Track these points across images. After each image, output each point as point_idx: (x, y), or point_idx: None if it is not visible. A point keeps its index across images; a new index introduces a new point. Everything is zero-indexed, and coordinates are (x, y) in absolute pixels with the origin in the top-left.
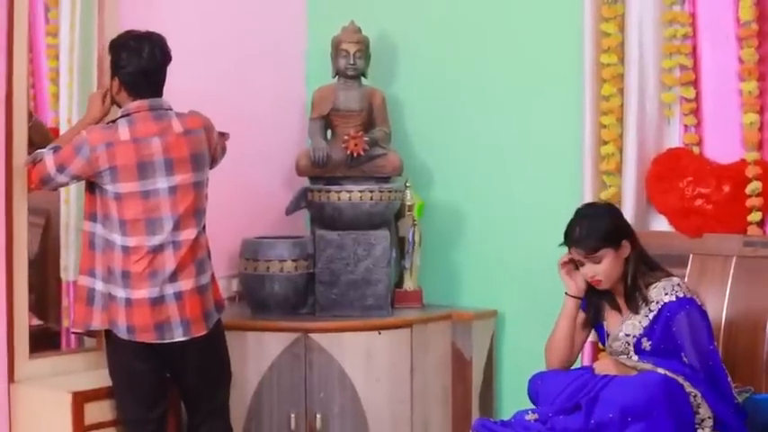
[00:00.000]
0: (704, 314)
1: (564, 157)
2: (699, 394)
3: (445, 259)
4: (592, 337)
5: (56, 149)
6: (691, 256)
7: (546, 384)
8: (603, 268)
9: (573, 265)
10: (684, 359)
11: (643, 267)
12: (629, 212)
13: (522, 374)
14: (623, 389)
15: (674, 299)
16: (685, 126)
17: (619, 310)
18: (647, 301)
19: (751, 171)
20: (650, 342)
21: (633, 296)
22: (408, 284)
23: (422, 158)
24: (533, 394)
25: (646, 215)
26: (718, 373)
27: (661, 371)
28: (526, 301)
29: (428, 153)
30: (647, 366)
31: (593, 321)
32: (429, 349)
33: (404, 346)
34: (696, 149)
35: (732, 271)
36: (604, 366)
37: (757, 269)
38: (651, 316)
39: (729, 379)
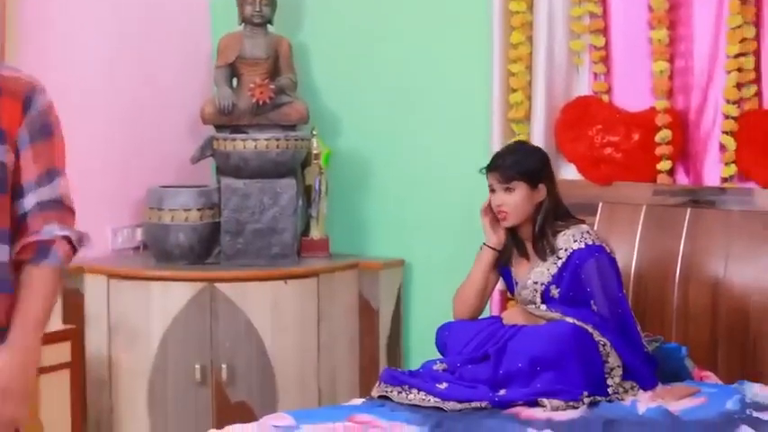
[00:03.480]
0: (613, 262)
1: (472, 104)
2: (608, 343)
3: (352, 208)
4: (500, 286)
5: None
6: (600, 204)
7: (454, 334)
8: (513, 200)
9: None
10: (593, 307)
11: (554, 217)
12: None
13: (430, 324)
14: (532, 338)
15: (582, 246)
16: (595, 74)
17: (527, 257)
18: (553, 249)
19: (661, 119)
20: (559, 290)
21: (541, 244)
22: (315, 233)
23: (329, 106)
24: (441, 345)
25: (555, 163)
26: (627, 321)
27: (570, 320)
28: (434, 251)
29: (335, 101)
30: (556, 315)
31: (501, 264)
32: (336, 299)
33: (310, 296)
34: (605, 98)
35: (642, 219)
36: (512, 316)
37: (667, 218)
38: (560, 263)
39: (639, 328)
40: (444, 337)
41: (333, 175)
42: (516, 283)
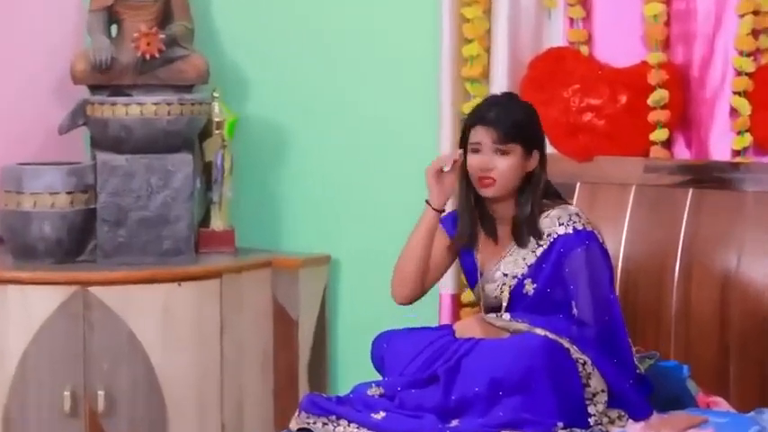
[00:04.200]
0: (606, 255)
1: (416, 60)
2: (589, 361)
3: (264, 191)
4: (452, 289)
5: None
6: (578, 184)
7: (394, 348)
8: (506, 164)
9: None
10: (574, 310)
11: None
12: None
13: (363, 337)
14: (493, 355)
15: (570, 231)
16: (571, 20)
17: (496, 240)
18: (540, 235)
19: (654, 77)
20: (535, 285)
21: (526, 227)
22: (217, 223)
23: (234, 62)
24: (378, 360)
25: None
26: (616, 333)
27: (540, 332)
28: (367, 244)
29: (242, 55)
30: (523, 326)
31: (462, 247)
32: (244, 306)
33: (211, 302)
34: (584, 49)
35: (631, 203)
36: (467, 327)
37: (663, 201)
38: (539, 252)
39: (630, 340)
40: (382, 352)
41: (240, 150)
42: (481, 274)
